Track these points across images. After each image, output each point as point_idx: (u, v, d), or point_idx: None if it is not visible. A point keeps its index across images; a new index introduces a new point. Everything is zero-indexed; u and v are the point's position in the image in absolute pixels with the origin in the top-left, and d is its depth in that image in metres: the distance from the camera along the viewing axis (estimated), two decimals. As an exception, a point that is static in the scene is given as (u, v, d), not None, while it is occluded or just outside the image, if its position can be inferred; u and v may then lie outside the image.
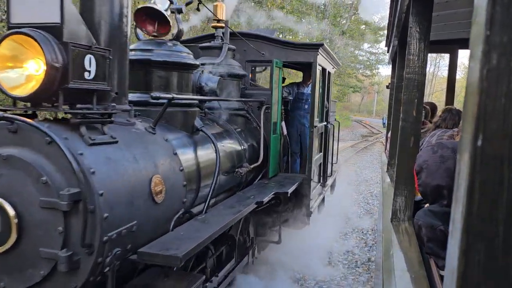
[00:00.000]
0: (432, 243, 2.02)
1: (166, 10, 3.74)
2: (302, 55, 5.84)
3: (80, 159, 2.33)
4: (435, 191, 2.06)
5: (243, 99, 5.49)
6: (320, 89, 6.61)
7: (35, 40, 2.33)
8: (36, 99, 2.50)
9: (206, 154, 3.87)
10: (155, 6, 3.61)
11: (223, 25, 5.18)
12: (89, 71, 2.57)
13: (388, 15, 5.55)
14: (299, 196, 5.84)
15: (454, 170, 1.20)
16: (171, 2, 3.74)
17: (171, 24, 3.67)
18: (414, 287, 1.92)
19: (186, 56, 3.84)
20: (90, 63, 2.57)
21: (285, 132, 6.32)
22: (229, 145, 4.58)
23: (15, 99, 2.50)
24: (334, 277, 6.17)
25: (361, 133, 31.44)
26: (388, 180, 4.70)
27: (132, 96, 3.65)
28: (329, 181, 7.81)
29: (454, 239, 0.65)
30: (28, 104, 2.62)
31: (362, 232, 8.47)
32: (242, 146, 4.90)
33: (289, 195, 4.97)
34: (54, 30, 2.42)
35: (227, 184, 4.45)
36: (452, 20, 4.67)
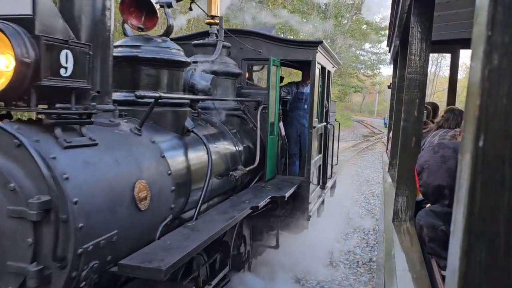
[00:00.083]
0: (434, 243, 2.01)
1: (156, 3, 3.54)
2: (301, 53, 5.62)
3: (52, 164, 2.12)
4: (436, 191, 2.05)
5: (238, 98, 5.28)
6: (320, 89, 6.39)
7: (4, 33, 2.13)
8: (7, 98, 2.30)
9: (197, 156, 3.67)
10: None
11: (218, 21, 4.97)
12: (66, 68, 2.36)
13: (389, 15, 5.42)
14: (298, 199, 5.63)
15: (455, 170, 1.15)
16: (160, -5, 3.53)
17: (158, 15, 3.46)
18: (416, 287, 1.93)
19: (176, 52, 3.63)
20: (66, 59, 2.37)
21: (283, 133, 6.11)
22: (223, 146, 4.37)
23: (-17, 98, 2.30)
24: (336, 277, 6.19)
25: (363, 133, 31.35)
26: (390, 180, 4.69)
27: (118, 95, 3.45)
28: (329, 183, 7.59)
29: (456, 239, 0.66)
30: (2, 104, 2.42)
31: (364, 232, 8.49)
32: (237, 148, 4.69)
33: (286, 199, 4.76)
34: (26, 23, 2.23)
35: (221, 188, 4.25)
36: (453, 20, 4.65)
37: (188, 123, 3.66)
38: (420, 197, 2.66)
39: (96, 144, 2.50)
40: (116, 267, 2.45)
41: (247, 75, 5.99)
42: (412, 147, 2.69)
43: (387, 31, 11.54)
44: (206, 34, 5.25)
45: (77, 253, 2.13)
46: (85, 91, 2.59)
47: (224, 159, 4.30)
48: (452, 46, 6.63)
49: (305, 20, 24.44)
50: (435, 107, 5.78)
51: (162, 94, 3.12)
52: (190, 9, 4.78)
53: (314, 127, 5.86)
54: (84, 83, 2.50)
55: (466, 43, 6.10)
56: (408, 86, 2.71)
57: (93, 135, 2.52)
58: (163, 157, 3.11)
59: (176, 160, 3.33)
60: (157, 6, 3.50)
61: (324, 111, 6.99)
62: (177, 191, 3.20)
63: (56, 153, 2.19)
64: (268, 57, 5.19)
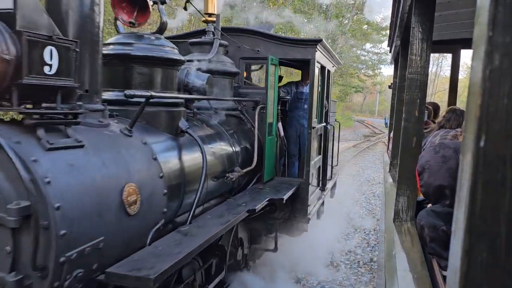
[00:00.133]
0: (435, 243, 2.01)
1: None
2: (300, 52, 5.49)
3: (33, 167, 1.99)
4: (437, 191, 2.06)
5: (235, 98, 5.15)
6: (319, 88, 6.26)
7: (-18, 28, 2.01)
8: (-14, 97, 2.17)
9: (191, 158, 3.54)
10: None
11: (214, 19, 4.85)
12: (50, 65, 2.24)
13: (390, 15, 5.34)
14: (297, 201, 5.50)
15: (456, 170, 1.15)
16: (154, -9, 3.41)
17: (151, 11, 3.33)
18: (417, 287, 1.93)
19: (170, 51, 3.50)
20: (51, 56, 2.25)
21: (282, 133, 5.98)
22: (219, 147, 4.24)
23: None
24: (336, 277, 6.17)
25: (363, 133, 31.24)
26: (391, 180, 4.68)
27: (109, 95, 3.33)
28: (329, 185, 7.45)
29: (457, 239, 0.66)
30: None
31: (365, 232, 8.46)
32: (234, 149, 4.56)
33: (284, 201, 4.63)
34: (6, 17, 2.11)
35: (217, 190, 4.12)
36: (454, 20, 4.64)
37: (182, 124, 3.53)
38: (421, 197, 2.69)
39: (82, 146, 2.37)
40: (103, 275, 2.33)
41: (245, 74, 5.85)
42: (413, 147, 2.71)
43: (388, 31, 11.48)
44: (202, 32, 5.11)
45: (59, 261, 2.01)
46: (71, 90, 2.46)
47: (220, 160, 4.17)
48: (453, 46, 6.59)
49: (305, 20, 24.30)
50: (436, 107, 5.72)
51: (154, 93, 2.99)
52: (185, 8, 4.65)
53: (313, 128, 5.73)
54: (71, 81, 2.38)
55: (467, 43, 6.11)
56: (409, 86, 2.72)
57: (79, 136, 2.40)
58: (155, 159, 2.99)
59: (169, 162, 3.21)
60: (150, 3, 3.38)
61: (324, 111, 6.86)
62: (170, 194, 3.07)
63: (37, 155, 2.06)
64: (266, 56, 5.06)
